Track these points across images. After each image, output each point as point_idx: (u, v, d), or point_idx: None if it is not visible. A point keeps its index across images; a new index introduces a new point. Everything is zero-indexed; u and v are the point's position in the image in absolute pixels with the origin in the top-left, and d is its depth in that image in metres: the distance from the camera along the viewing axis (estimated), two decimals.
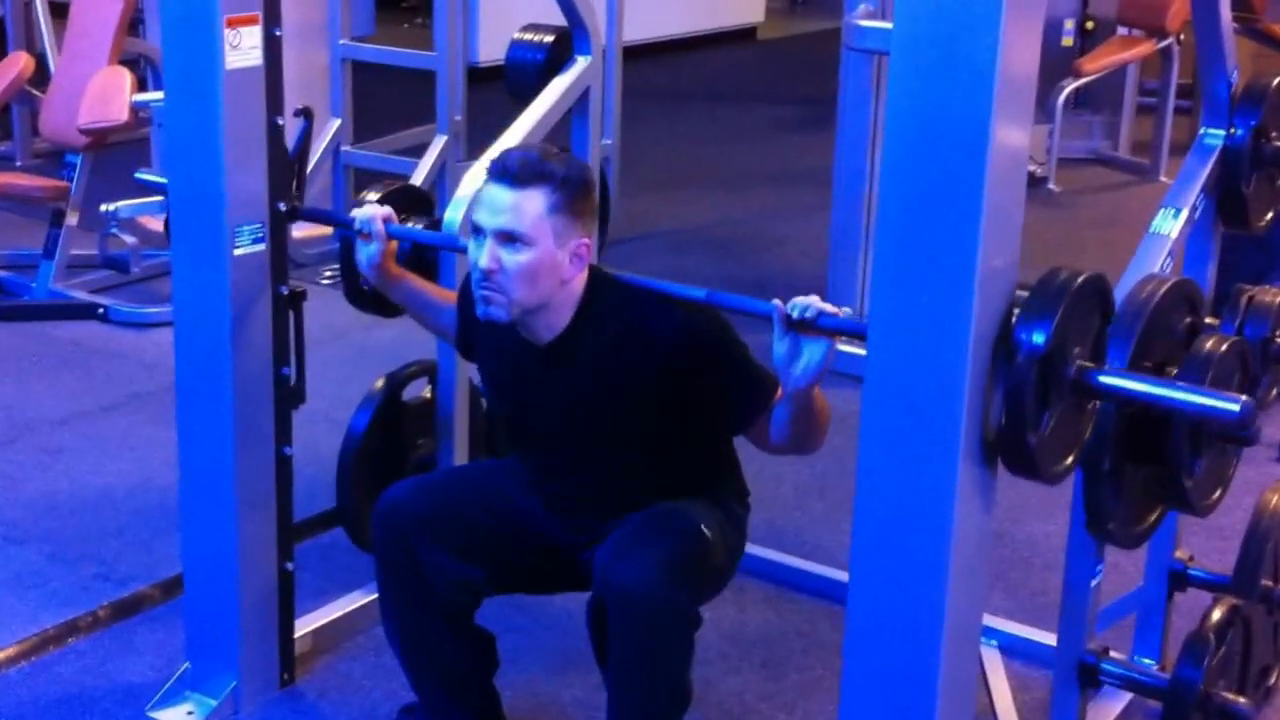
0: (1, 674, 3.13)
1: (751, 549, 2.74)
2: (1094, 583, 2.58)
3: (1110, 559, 2.58)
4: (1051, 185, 7.16)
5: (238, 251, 2.77)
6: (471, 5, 8.53)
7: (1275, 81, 2.76)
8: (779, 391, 2.42)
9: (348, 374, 4.20)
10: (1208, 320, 2.47)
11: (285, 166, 2.86)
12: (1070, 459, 2.10)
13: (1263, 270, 4.36)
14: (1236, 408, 1.99)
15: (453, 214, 3.03)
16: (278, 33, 2.78)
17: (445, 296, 2.92)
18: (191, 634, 3.03)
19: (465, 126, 5.65)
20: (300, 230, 5.61)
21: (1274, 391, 2.73)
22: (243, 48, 2.71)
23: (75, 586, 3.48)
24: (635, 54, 7.80)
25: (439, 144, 5.58)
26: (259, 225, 2.80)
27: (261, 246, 2.82)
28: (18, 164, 7.13)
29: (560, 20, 3.47)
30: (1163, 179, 7.26)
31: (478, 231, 2.49)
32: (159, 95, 2.80)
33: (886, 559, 2.06)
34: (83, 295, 5.50)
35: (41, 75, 6.37)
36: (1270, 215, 2.83)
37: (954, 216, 1.92)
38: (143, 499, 3.93)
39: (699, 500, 2.62)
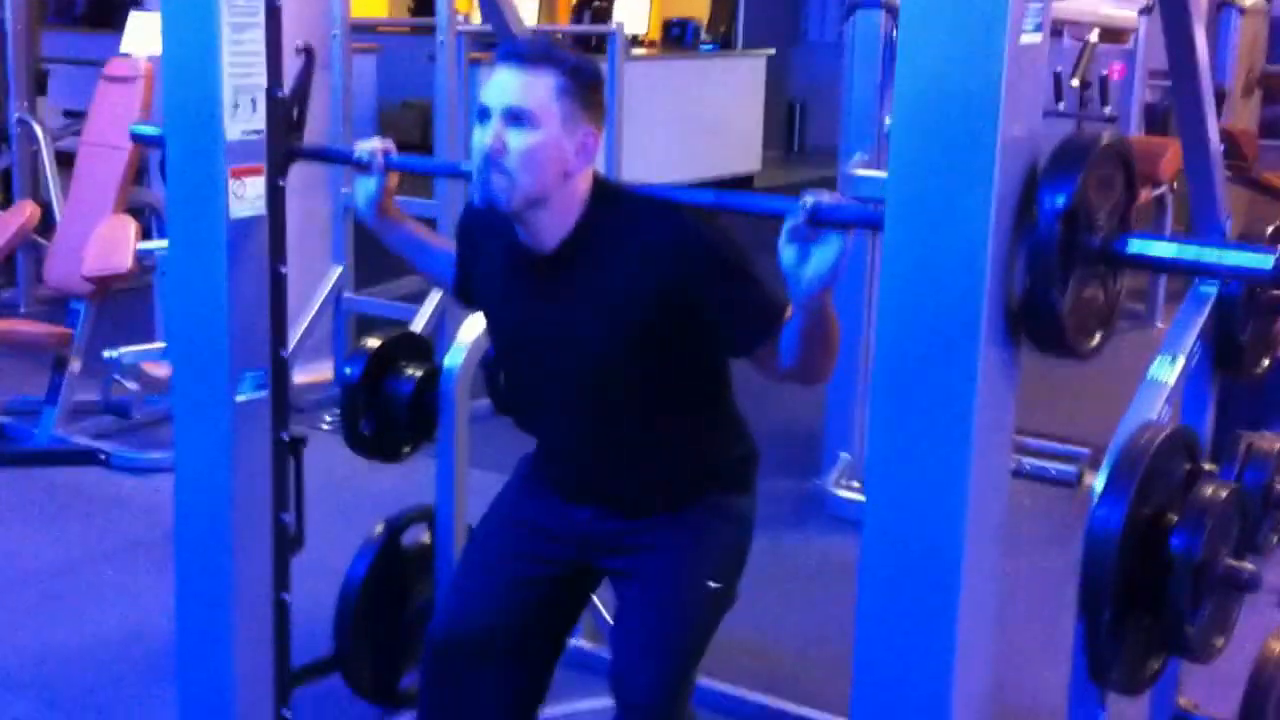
0: None
1: (749, 691, 2.69)
2: None
3: (1111, 707, 2.55)
4: None
5: (240, 398, 2.79)
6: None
7: (1269, 231, 2.79)
8: (789, 311, 2.32)
9: (346, 520, 4.18)
10: (1206, 467, 2.48)
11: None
12: (1097, 336, 2.08)
13: (1260, 417, 4.37)
14: (1269, 263, 1.98)
15: (453, 360, 3.05)
16: (281, 183, 2.82)
17: (442, 243, 2.86)
18: None
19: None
20: (302, 375, 5.64)
21: (1275, 538, 2.73)
22: (247, 197, 2.75)
23: None
24: None
25: (439, 290, 5.62)
26: (261, 372, 2.82)
27: (263, 393, 2.83)
28: (21, 311, 7.19)
29: None
30: (1158, 325, 7.31)
31: (483, 114, 2.42)
32: (163, 243, 2.83)
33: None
34: (84, 441, 5.50)
35: (47, 223, 6.43)
36: (1266, 362, 2.85)
37: (951, 368, 1.93)
38: (140, 646, 3.90)
39: (707, 514, 2.62)
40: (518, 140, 2.39)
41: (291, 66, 2.88)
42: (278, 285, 2.83)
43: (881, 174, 4.43)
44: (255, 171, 2.76)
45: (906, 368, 1.98)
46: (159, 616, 3.93)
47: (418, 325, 5.42)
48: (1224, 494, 2.27)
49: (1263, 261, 1.98)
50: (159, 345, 5.65)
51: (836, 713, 3.40)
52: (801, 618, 4.04)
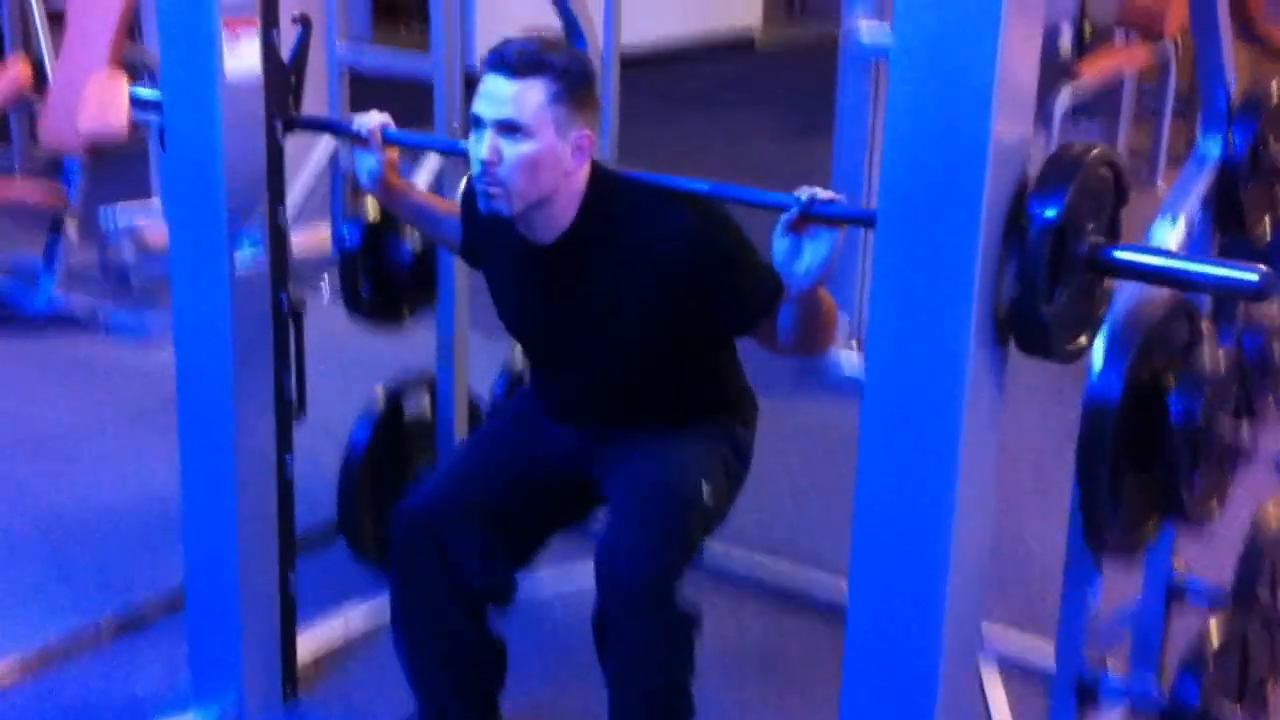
0: (4, 689, 3.13)
1: (750, 554, 2.72)
2: (1092, 597, 2.58)
3: (1107, 573, 2.58)
4: None
5: (239, 265, 2.77)
6: (468, 9, 8.51)
7: (1275, 90, 2.76)
8: (786, 292, 2.36)
9: (347, 385, 4.20)
10: (1206, 331, 2.47)
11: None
12: (1083, 338, 2.10)
13: None
14: (1255, 276, 1.98)
15: None
16: (277, 35, 2.78)
17: (448, 208, 2.90)
18: (194, 646, 3.03)
19: (463, 133, 5.63)
20: (299, 237, 5.61)
21: (1272, 403, 2.73)
22: (241, 53, 2.70)
23: (78, 599, 3.48)
24: (633, 62, 7.81)
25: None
26: (259, 236, 2.80)
27: (262, 257, 2.82)
28: (17, 171, 7.13)
29: (558, 25, 3.48)
30: (1160, 185, 7.27)
31: (477, 124, 2.44)
32: (155, 93, 2.79)
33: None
34: (83, 304, 5.50)
35: (39, 81, 6.35)
36: (1268, 224, 2.84)
37: (955, 225, 1.92)
38: (145, 512, 3.93)
39: (702, 429, 2.66)
40: (513, 151, 2.40)
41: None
42: (273, 142, 2.80)
43: (886, 27, 4.38)
44: (249, 24, 2.71)
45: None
46: (163, 481, 3.96)
47: (417, 186, 5.37)
48: (1222, 359, 2.27)
49: (1248, 276, 2.00)
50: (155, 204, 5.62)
51: (834, 572, 3.44)
52: (799, 479, 4.07)
